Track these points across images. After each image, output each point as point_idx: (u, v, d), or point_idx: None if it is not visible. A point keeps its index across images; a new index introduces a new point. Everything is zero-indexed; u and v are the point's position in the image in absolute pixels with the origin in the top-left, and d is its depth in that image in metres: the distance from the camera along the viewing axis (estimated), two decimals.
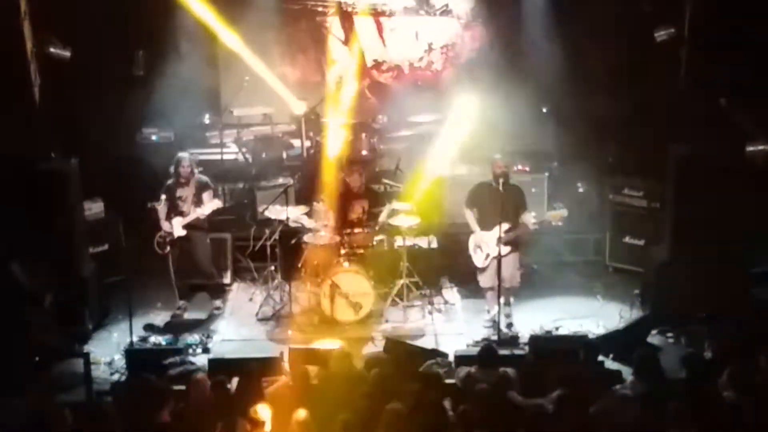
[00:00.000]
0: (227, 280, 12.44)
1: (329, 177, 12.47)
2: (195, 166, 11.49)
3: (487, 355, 8.68)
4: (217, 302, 11.78)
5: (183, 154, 11.43)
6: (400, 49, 15.53)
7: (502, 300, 10.90)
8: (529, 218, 10.65)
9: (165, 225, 11.18)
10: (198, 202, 11.25)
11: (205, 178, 11.63)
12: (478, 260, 10.90)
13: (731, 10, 11.07)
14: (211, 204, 11.26)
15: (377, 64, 15.52)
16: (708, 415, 7.27)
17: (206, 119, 14.27)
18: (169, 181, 11.32)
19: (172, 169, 11.30)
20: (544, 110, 14.23)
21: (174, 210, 11.24)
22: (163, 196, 11.18)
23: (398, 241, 11.61)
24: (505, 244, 10.63)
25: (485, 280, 10.98)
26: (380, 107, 15.15)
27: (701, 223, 10.88)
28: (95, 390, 9.43)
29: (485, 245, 10.74)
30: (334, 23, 15.44)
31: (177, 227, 11.18)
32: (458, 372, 8.81)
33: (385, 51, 15.50)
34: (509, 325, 10.96)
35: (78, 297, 11.08)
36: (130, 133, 13.91)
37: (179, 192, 11.27)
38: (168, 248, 11.21)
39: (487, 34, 15.20)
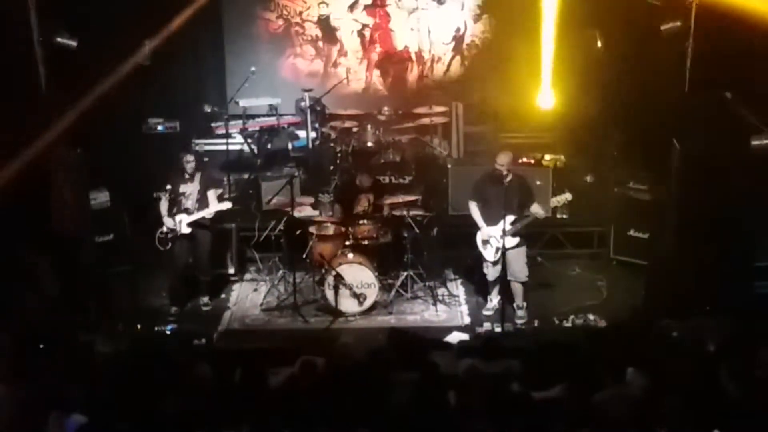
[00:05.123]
0: (232, 270, 12.46)
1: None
2: (201, 163, 11.18)
3: (490, 346, 8.69)
4: (205, 299, 11.61)
5: (188, 155, 11.16)
6: (410, 41, 15.52)
7: (516, 302, 11.01)
8: (538, 208, 10.65)
9: (168, 221, 10.99)
10: (203, 199, 11.06)
11: (214, 175, 11.51)
12: (489, 255, 10.89)
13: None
14: (221, 204, 11.14)
15: (387, 56, 15.52)
16: (708, 408, 7.27)
17: (206, 108, 14.25)
18: (173, 177, 11.14)
19: (177, 166, 11.09)
20: (550, 102, 14.22)
21: (177, 206, 11.03)
22: (168, 187, 11.01)
23: (403, 233, 11.61)
24: (513, 235, 10.64)
25: (494, 273, 11.00)
26: (389, 98, 15.15)
27: (706, 217, 10.88)
28: (99, 379, 9.44)
29: (493, 239, 10.74)
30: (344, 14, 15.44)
31: (182, 225, 11.00)
32: (461, 363, 8.80)
33: (396, 42, 15.49)
34: (524, 323, 10.99)
35: (83, 286, 11.11)
36: (136, 123, 13.92)
37: (182, 188, 11.05)
38: (170, 245, 11.05)
39: (496, 25, 15.21)
